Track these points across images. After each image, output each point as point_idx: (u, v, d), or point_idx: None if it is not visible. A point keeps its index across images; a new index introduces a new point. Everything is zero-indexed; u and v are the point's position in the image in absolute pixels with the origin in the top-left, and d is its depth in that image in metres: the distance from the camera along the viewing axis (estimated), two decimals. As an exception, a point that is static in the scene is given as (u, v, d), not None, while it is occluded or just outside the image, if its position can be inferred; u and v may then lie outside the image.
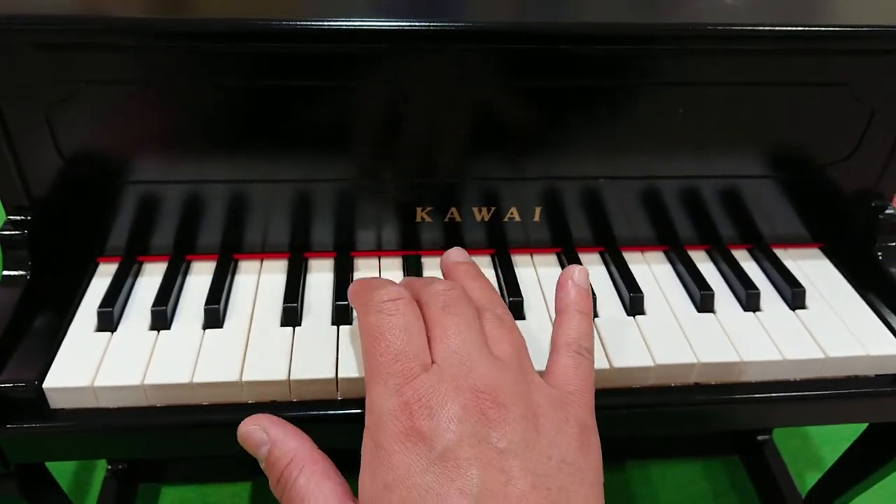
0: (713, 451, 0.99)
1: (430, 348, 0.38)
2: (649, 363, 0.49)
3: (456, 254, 0.48)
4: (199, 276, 0.55)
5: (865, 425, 0.66)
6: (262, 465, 0.39)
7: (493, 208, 0.56)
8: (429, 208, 0.56)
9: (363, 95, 0.50)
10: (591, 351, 0.41)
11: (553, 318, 0.52)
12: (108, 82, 0.48)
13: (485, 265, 0.58)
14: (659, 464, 0.97)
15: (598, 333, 0.51)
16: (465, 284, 0.43)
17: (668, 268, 0.59)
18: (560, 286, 0.44)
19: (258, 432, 0.39)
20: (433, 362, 0.37)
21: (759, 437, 0.95)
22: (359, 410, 0.47)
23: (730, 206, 0.59)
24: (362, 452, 0.36)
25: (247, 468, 0.89)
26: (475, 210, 0.56)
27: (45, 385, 0.46)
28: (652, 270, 0.59)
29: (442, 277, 0.46)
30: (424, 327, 0.38)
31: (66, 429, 0.46)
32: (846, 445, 0.69)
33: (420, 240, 0.58)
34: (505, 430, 0.34)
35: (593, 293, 0.53)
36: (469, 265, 0.46)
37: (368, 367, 0.37)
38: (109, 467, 0.84)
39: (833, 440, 1.00)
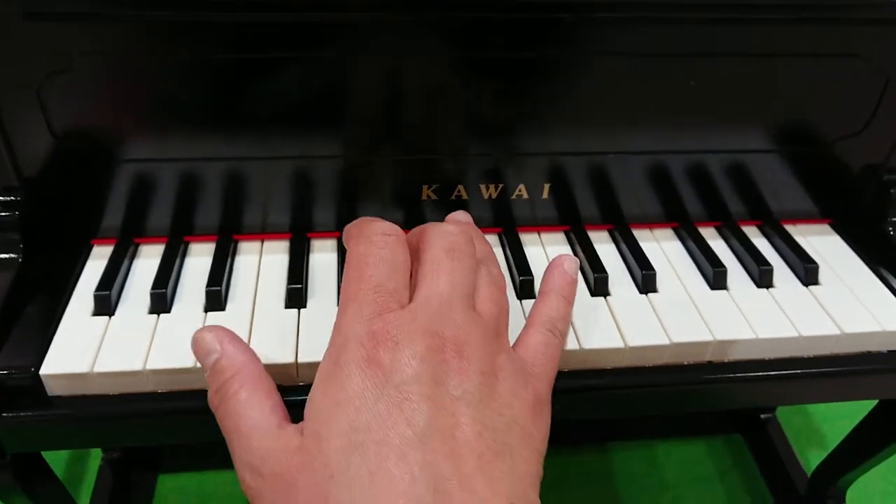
0: (715, 430, 0.99)
1: (416, 283, 0.39)
2: (665, 341, 0.48)
3: (461, 214, 0.50)
4: (199, 258, 0.54)
5: (868, 403, 0.65)
6: (206, 375, 0.39)
7: (500, 185, 0.55)
8: (435, 186, 0.54)
9: (362, 68, 0.48)
10: (564, 334, 0.43)
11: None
12: (103, 54, 0.46)
13: (492, 244, 0.56)
14: (662, 443, 0.97)
15: (611, 312, 0.50)
16: None
17: (678, 245, 0.58)
18: (548, 270, 0.46)
19: (212, 341, 0.39)
20: (412, 299, 0.38)
21: (763, 416, 0.94)
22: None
23: (739, 181, 0.58)
24: (319, 369, 0.36)
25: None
26: (482, 187, 0.55)
27: (41, 371, 0.44)
28: (662, 248, 0.57)
29: None
30: (410, 266, 0.40)
31: (65, 416, 0.45)
32: (847, 423, 0.68)
33: (426, 218, 0.56)
34: (462, 379, 0.35)
35: (605, 272, 0.52)
36: (472, 225, 0.47)
37: (347, 291, 0.38)
38: (104, 456, 0.82)
39: (833, 417, 1.00)
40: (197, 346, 0.40)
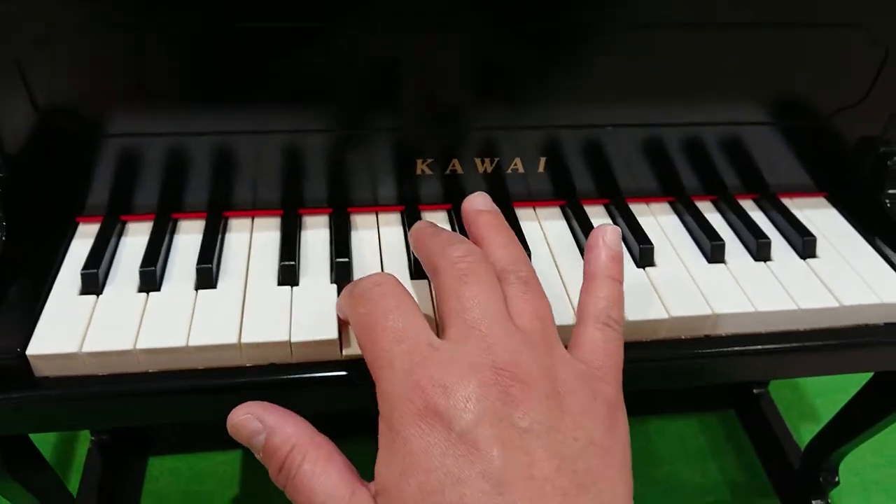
0: (708, 405, 0.99)
1: (443, 321, 0.36)
2: (663, 315, 0.48)
3: (479, 200, 0.44)
4: (188, 236, 0.52)
5: (860, 378, 0.65)
6: (259, 456, 0.36)
7: (496, 159, 0.54)
8: (429, 160, 0.53)
9: (354, 38, 0.47)
10: (620, 322, 0.39)
11: (560, 271, 0.51)
12: (88, 22, 0.44)
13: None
14: (656, 419, 0.97)
15: (609, 286, 0.50)
16: (486, 238, 0.40)
17: (674, 219, 0.57)
18: (590, 248, 0.41)
19: (252, 421, 0.36)
20: (443, 337, 0.34)
21: (755, 391, 0.94)
22: (364, 369, 0.45)
23: (735, 154, 0.58)
24: (379, 439, 0.34)
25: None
26: (477, 161, 0.54)
27: (28, 352, 0.43)
28: (658, 222, 0.57)
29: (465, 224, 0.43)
30: (417, 305, 0.36)
31: (53, 397, 0.43)
32: (840, 396, 0.69)
33: (420, 193, 0.55)
34: (527, 408, 0.32)
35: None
36: (493, 214, 0.43)
37: (369, 358, 0.35)
38: (93, 439, 0.81)
39: (826, 391, 1.01)
40: (238, 432, 0.36)
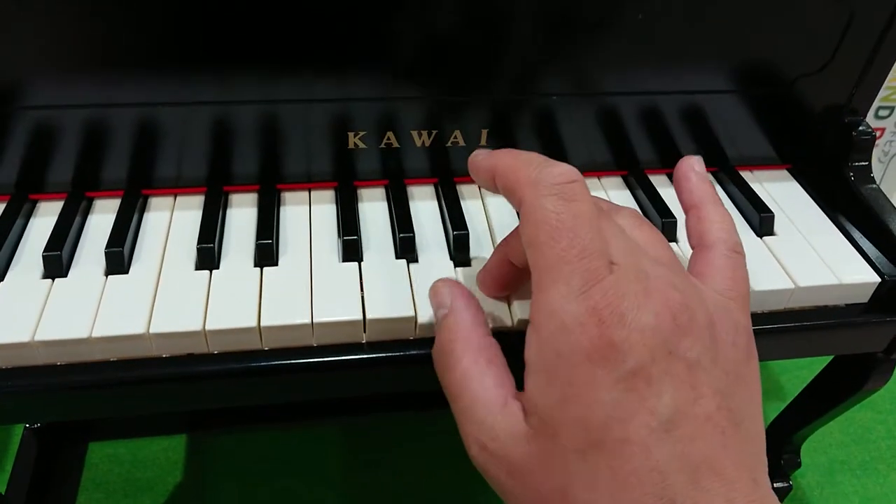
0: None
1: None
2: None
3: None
4: (103, 216, 0.49)
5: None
6: (436, 325, 0.38)
7: (434, 132, 0.50)
8: (361, 133, 0.50)
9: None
10: (742, 247, 0.37)
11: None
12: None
13: (428, 196, 0.52)
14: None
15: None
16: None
17: (626, 194, 0.55)
18: (685, 178, 0.40)
19: (446, 293, 0.38)
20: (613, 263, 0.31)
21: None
22: (287, 361, 0.42)
23: (693, 125, 0.55)
24: (529, 353, 0.32)
25: (180, 422, 0.85)
26: (414, 134, 0.50)
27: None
28: (609, 196, 0.54)
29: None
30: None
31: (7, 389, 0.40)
32: (805, 373, 0.67)
33: (355, 169, 0.52)
34: (693, 337, 0.30)
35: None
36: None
37: (544, 263, 0.31)
38: (27, 425, 0.78)
39: (791, 368, 0.99)
40: (433, 296, 0.39)
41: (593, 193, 0.50)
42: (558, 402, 0.30)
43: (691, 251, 0.38)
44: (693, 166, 0.40)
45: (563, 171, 0.33)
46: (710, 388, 0.30)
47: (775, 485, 0.74)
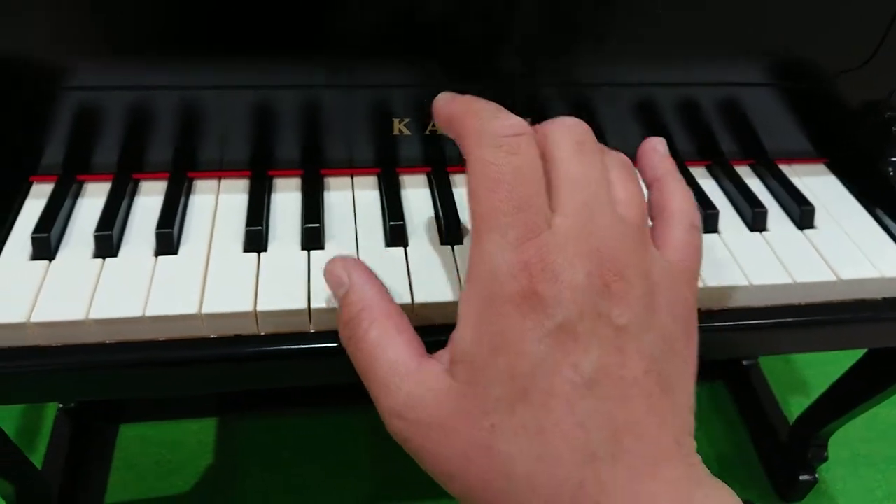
0: (698, 378, 0.97)
1: (551, 194, 0.33)
2: (652, 288, 0.45)
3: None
4: (150, 197, 0.49)
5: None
6: (338, 308, 0.37)
7: (477, 119, 0.50)
8: (407, 119, 0.50)
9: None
10: (700, 224, 0.38)
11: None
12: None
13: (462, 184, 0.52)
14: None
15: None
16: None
17: (666, 185, 0.55)
18: (646, 154, 0.41)
19: (341, 273, 0.37)
20: (555, 213, 0.32)
21: (745, 363, 0.93)
22: (334, 344, 0.42)
23: (732, 117, 0.55)
24: (462, 304, 0.32)
25: (210, 404, 0.86)
26: (459, 121, 0.50)
27: (-28, 321, 0.40)
28: (650, 188, 0.54)
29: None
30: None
31: (2, 370, 0.41)
32: (831, 368, 0.67)
33: (398, 155, 0.52)
34: (625, 306, 0.31)
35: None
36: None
37: (480, 210, 0.32)
38: (61, 406, 0.79)
39: (817, 363, 0.99)
40: (327, 277, 0.38)
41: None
42: (489, 351, 0.30)
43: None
44: (656, 146, 0.41)
45: (510, 123, 0.33)
46: (638, 353, 0.30)
47: (801, 477, 0.75)
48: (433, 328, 0.43)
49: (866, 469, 0.87)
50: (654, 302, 0.32)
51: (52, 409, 0.82)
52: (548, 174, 0.33)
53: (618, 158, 0.36)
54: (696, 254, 0.36)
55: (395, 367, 0.33)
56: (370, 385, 0.34)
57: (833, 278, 0.47)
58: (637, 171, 0.38)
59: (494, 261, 0.31)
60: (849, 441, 0.89)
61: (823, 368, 0.96)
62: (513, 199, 0.31)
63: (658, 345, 0.31)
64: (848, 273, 0.48)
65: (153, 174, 0.51)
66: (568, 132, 0.34)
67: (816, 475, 0.75)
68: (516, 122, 0.33)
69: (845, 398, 0.64)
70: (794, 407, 0.90)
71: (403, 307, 0.42)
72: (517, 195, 0.31)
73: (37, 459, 0.76)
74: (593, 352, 0.30)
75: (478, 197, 0.32)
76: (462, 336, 0.32)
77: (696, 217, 0.38)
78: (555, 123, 0.35)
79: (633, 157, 0.54)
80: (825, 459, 0.72)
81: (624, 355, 0.30)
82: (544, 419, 0.29)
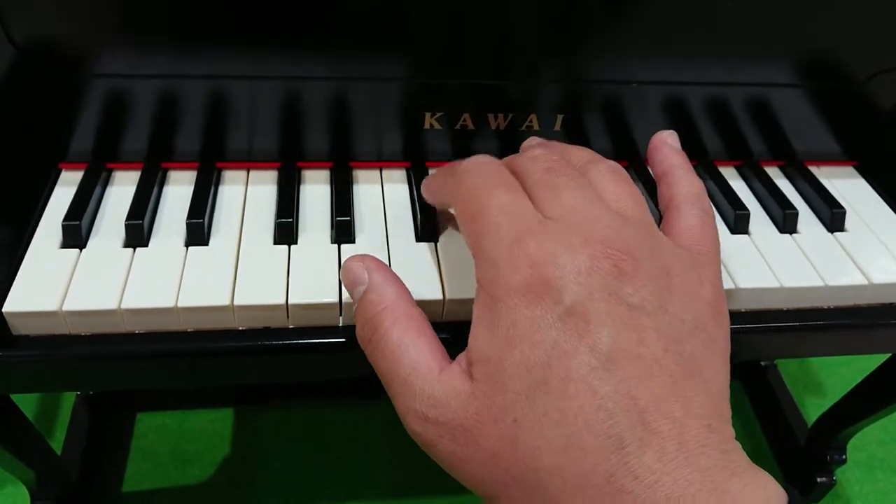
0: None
1: (537, 207, 0.34)
2: (683, 288, 0.45)
3: (531, 140, 0.43)
4: (179, 187, 0.49)
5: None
6: (354, 308, 0.37)
7: (510, 115, 0.50)
8: (438, 114, 0.50)
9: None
10: (713, 211, 0.38)
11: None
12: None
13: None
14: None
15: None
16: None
17: (696, 185, 0.54)
18: (656, 149, 0.41)
19: (360, 270, 0.37)
20: (547, 217, 0.33)
21: (763, 363, 0.92)
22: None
23: (762, 118, 0.54)
24: (475, 307, 0.32)
25: (227, 395, 0.86)
26: (490, 117, 0.50)
27: (5, 309, 0.40)
28: (679, 187, 0.54)
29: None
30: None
31: (32, 358, 0.41)
32: (846, 371, 0.67)
33: (427, 149, 0.52)
34: (637, 284, 0.30)
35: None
36: (553, 142, 0.41)
37: (475, 227, 0.33)
38: (79, 394, 0.79)
39: (832, 364, 0.99)
40: (345, 275, 0.37)
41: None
42: (503, 346, 0.30)
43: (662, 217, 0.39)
44: (666, 139, 0.41)
45: (473, 160, 0.37)
46: (655, 332, 0.30)
47: (819, 479, 0.75)
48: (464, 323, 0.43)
49: (883, 472, 0.87)
50: (670, 283, 0.32)
51: (69, 397, 0.82)
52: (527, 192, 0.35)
53: (607, 165, 0.37)
54: (713, 236, 0.36)
55: (418, 368, 0.33)
56: (391, 386, 0.33)
57: (864, 282, 0.47)
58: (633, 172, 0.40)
59: (495, 258, 0.32)
60: (865, 444, 0.89)
61: (838, 370, 0.96)
62: (497, 206, 0.33)
63: (677, 325, 0.31)
64: (879, 277, 0.47)
65: (182, 164, 0.50)
66: (534, 160, 0.36)
67: (834, 478, 0.75)
68: (480, 156, 0.37)
69: (867, 402, 0.64)
70: (810, 408, 0.89)
71: (434, 303, 0.42)
72: (499, 201, 0.33)
73: (54, 447, 0.76)
74: (607, 331, 0.29)
75: (467, 217, 0.34)
76: (476, 336, 0.32)
77: (707, 202, 0.38)
78: (520, 156, 0.37)
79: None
80: (843, 462, 0.72)
81: (640, 333, 0.29)
82: (565, 406, 0.28)
